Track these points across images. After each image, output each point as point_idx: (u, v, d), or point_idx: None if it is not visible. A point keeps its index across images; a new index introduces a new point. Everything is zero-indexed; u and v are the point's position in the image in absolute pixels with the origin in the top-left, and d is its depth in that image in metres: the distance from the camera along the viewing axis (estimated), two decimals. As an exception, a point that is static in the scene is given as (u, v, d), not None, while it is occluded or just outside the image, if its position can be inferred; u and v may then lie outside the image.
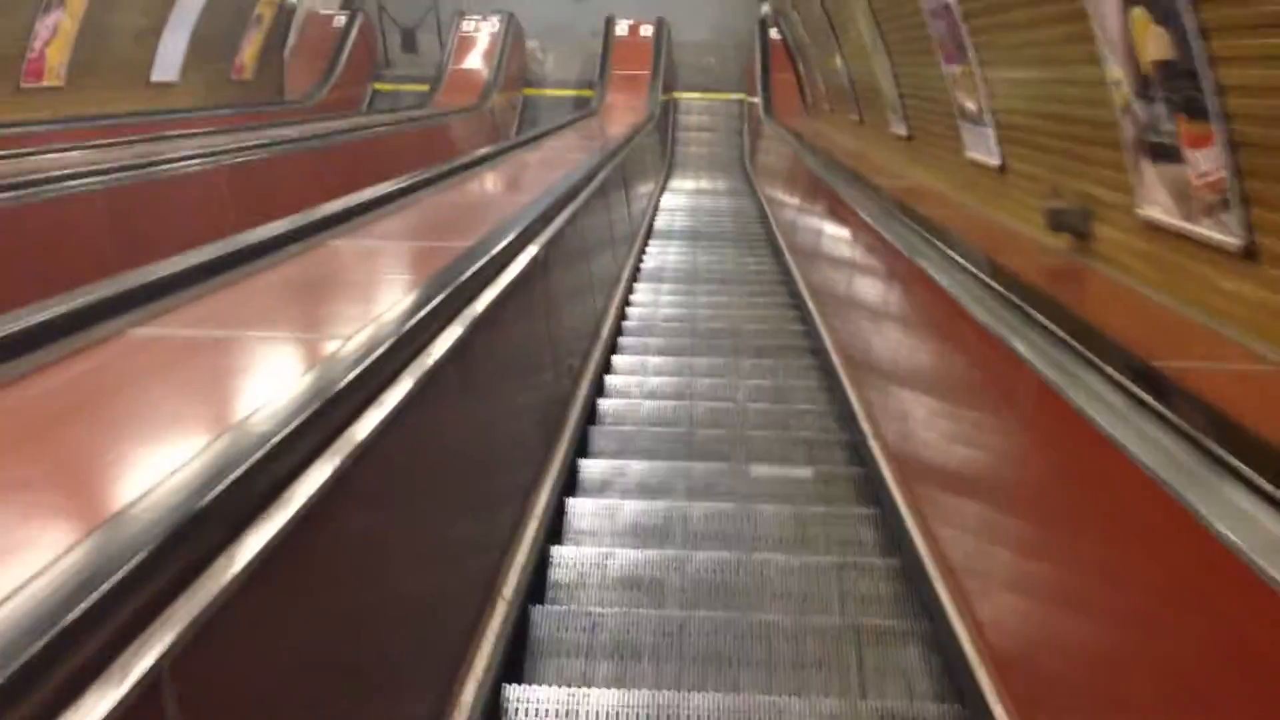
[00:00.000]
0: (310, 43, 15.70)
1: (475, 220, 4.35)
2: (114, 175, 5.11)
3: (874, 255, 4.93)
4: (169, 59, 11.01)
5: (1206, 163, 2.65)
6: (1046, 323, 2.52)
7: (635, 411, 4.52)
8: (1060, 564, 2.25)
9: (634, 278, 7.88)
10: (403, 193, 5.10)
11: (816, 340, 5.96)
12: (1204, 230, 2.78)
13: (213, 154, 6.43)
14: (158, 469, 1.38)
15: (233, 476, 1.35)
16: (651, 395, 4.78)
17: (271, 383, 1.98)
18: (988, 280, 3.08)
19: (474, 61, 16.22)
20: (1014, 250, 4.12)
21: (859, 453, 4.14)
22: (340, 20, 16.35)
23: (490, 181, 6.37)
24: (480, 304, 2.94)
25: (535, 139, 10.11)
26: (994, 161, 4.75)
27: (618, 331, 5.96)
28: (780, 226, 9.53)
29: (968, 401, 3.16)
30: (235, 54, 12.83)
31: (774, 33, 14.79)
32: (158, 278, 2.67)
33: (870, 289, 5.10)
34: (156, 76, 10.91)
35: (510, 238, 3.69)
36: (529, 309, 3.82)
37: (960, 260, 3.45)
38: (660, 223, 10.81)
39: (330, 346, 2.12)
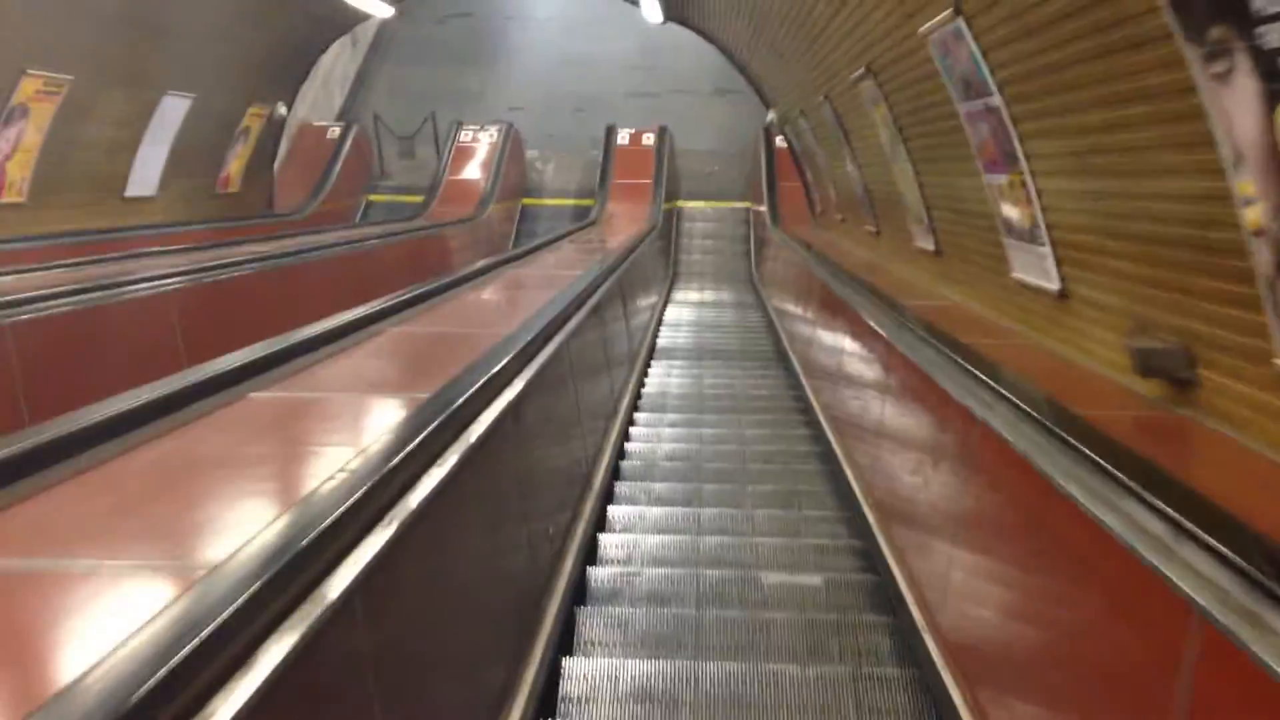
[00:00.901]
0: (302, 154, 15.31)
1: (442, 360, 3.63)
2: (30, 306, 4.43)
3: (909, 387, 4.22)
4: (146, 173, 10.45)
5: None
6: (1180, 520, 1.83)
7: (627, 629, 3.58)
8: None
9: (634, 407, 7.15)
10: (365, 322, 4.42)
11: (842, 483, 5.21)
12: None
13: (166, 276, 5.76)
14: None
15: None
16: (651, 598, 3.88)
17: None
18: (1080, 446, 2.35)
19: (471, 172, 15.84)
20: (1094, 396, 3.39)
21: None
22: (334, 131, 16.00)
23: (472, 305, 5.69)
24: (431, 481, 2.22)
25: (530, 252, 9.51)
26: (1051, 286, 4.05)
27: (608, 496, 5.07)
28: (792, 344, 8.85)
29: (1055, 594, 2.41)
30: (220, 167, 12.31)
31: (780, 140, 14.36)
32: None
33: (905, 427, 4.37)
34: (132, 191, 10.33)
35: (480, 383, 3.00)
36: (497, 471, 3.08)
37: (1024, 406, 2.75)
38: (663, 339, 10.14)
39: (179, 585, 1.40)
